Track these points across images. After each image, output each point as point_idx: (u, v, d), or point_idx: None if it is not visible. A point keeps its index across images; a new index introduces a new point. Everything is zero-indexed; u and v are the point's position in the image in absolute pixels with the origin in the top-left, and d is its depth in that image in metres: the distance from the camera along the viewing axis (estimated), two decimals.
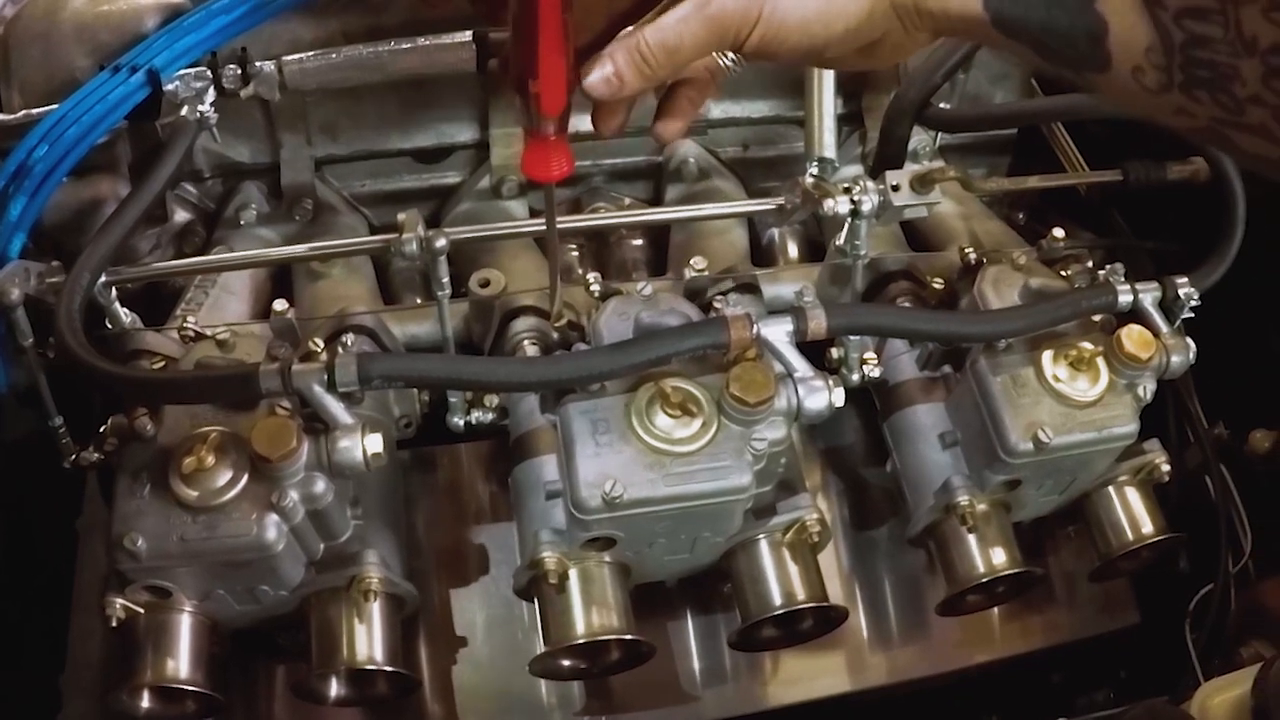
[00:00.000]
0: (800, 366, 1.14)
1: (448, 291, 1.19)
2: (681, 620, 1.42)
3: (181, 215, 1.50)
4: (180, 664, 1.17)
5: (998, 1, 0.90)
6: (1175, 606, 1.52)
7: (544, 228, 1.17)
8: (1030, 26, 0.90)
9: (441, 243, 1.14)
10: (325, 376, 1.07)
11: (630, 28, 0.94)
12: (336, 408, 1.09)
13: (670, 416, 1.13)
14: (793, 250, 1.58)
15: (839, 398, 1.14)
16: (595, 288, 1.26)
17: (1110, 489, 1.37)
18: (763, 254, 1.58)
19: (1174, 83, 0.85)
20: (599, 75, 0.93)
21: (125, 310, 1.25)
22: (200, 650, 1.19)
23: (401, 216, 1.16)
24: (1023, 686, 1.60)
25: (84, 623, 1.38)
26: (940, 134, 1.61)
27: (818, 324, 1.13)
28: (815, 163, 1.33)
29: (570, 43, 0.92)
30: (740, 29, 0.93)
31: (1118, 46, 0.86)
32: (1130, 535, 1.35)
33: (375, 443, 1.10)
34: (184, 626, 1.18)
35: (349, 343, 1.22)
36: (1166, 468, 1.35)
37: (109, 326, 1.24)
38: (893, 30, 0.96)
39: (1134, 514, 1.36)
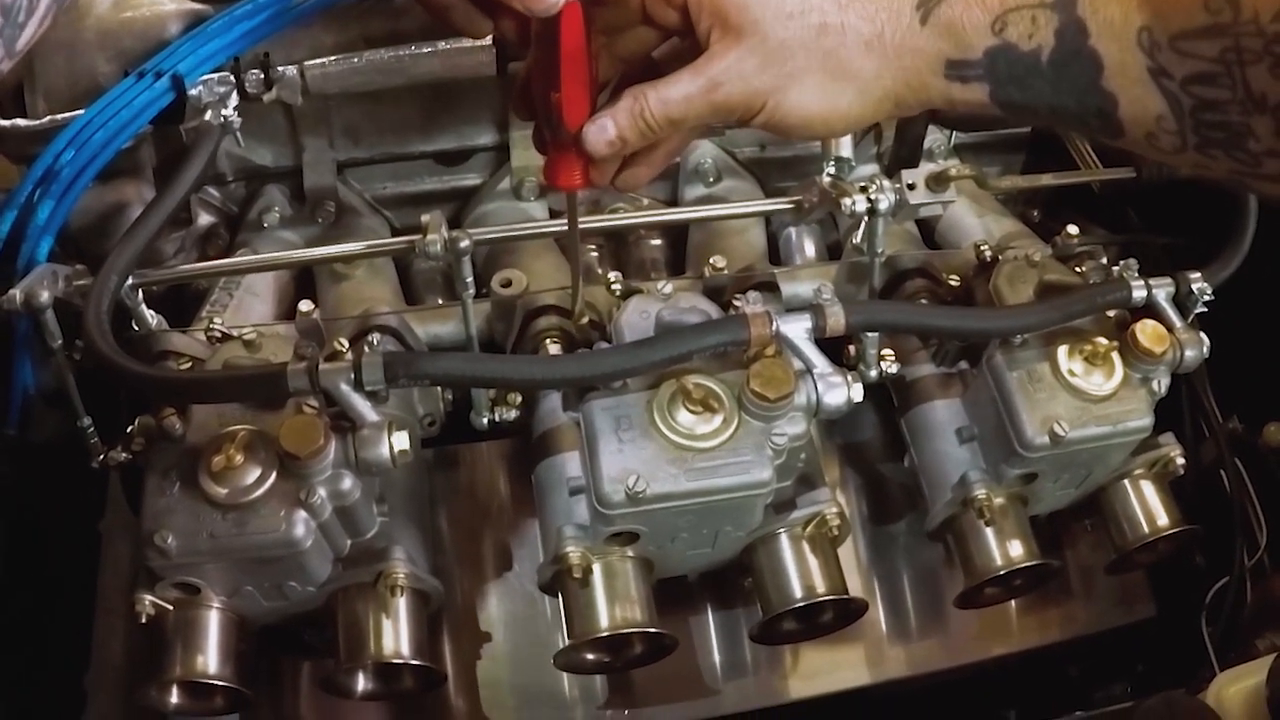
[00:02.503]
0: (819, 363, 1.15)
1: (472, 291, 1.21)
2: (702, 614, 1.44)
3: (205, 218, 1.52)
4: (209, 659, 1.18)
5: (1004, 93, 0.93)
6: (1191, 599, 1.53)
7: (564, 228, 1.18)
8: (1040, 111, 0.93)
9: (466, 243, 1.15)
10: (352, 375, 1.09)
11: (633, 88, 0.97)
12: (363, 406, 1.11)
13: (692, 413, 1.14)
14: (809, 249, 1.59)
15: (858, 393, 1.15)
16: (616, 287, 1.28)
17: (1126, 482, 1.38)
18: (779, 253, 1.59)
19: (1189, 145, 0.87)
20: (600, 135, 0.96)
21: (151, 312, 1.26)
22: (228, 646, 1.20)
23: (425, 218, 1.17)
24: (1040, 679, 1.61)
25: (108, 622, 1.40)
26: (955, 132, 1.62)
27: (836, 321, 1.14)
28: (832, 162, 1.34)
29: (592, 57, 0.94)
30: (743, 116, 0.97)
31: (1129, 119, 0.88)
32: (1146, 528, 1.36)
33: (402, 440, 1.11)
34: (213, 622, 1.19)
35: (375, 342, 1.24)
36: (1181, 461, 1.36)
37: (135, 328, 1.25)
38: (892, 115, 1.01)
39: (1150, 507, 1.37)
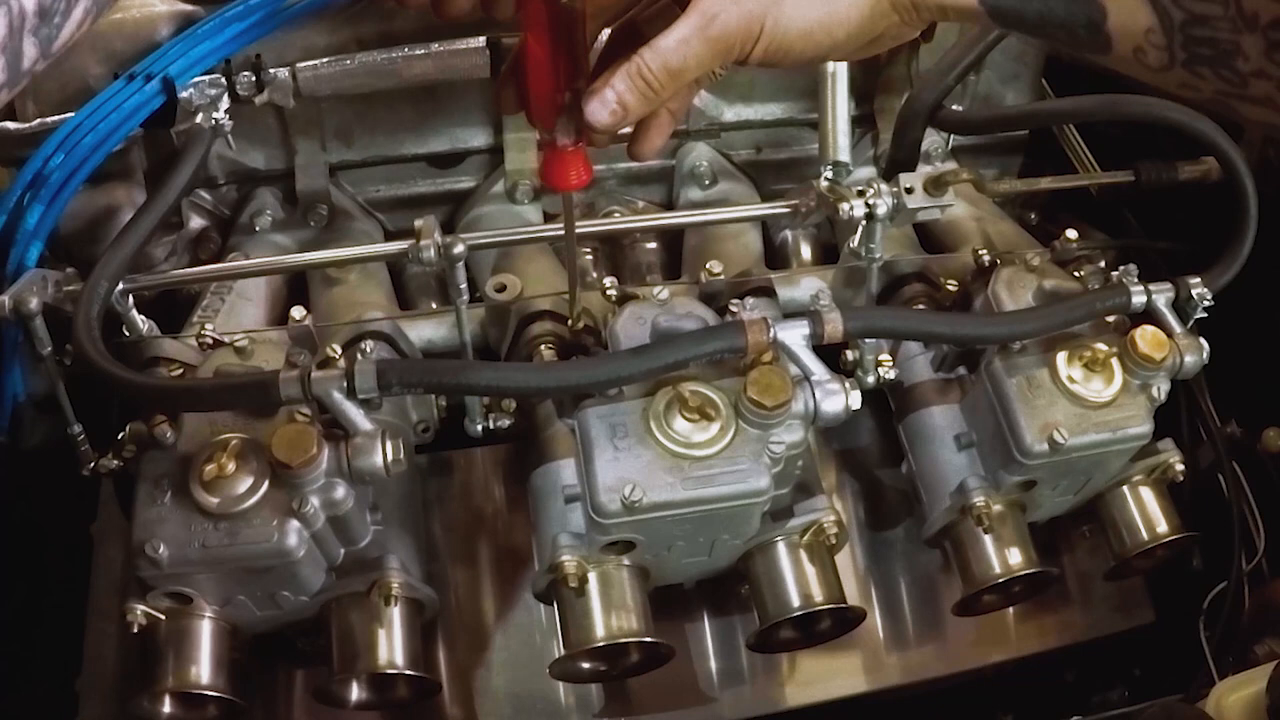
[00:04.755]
0: (817, 370, 1.14)
1: (466, 297, 1.20)
2: (699, 622, 1.43)
3: (197, 222, 1.50)
4: (201, 669, 1.17)
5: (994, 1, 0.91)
6: (1189, 605, 1.53)
7: (560, 232, 1.17)
8: (1027, 16, 0.91)
9: (459, 249, 1.14)
10: (345, 383, 1.08)
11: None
12: (356, 414, 1.10)
13: (688, 420, 1.13)
14: (806, 253, 1.59)
15: (856, 400, 1.15)
16: (612, 292, 1.27)
17: (1125, 489, 1.37)
18: (776, 257, 1.58)
19: (1176, 61, 0.86)
20: (601, 105, 0.93)
21: (142, 318, 1.25)
22: (221, 656, 1.19)
23: (419, 223, 1.16)
24: (1037, 686, 1.60)
25: (99, 627, 1.39)
26: (952, 135, 1.61)
27: (834, 327, 1.13)
28: (829, 166, 1.33)
29: (561, 56, 0.92)
30: (744, 45, 0.93)
31: (1117, 30, 0.87)
32: (1145, 535, 1.36)
33: (395, 449, 1.10)
34: (205, 632, 1.18)
35: (367, 349, 1.23)
36: (1181, 467, 1.35)
37: (126, 334, 1.24)
38: (891, 25, 0.97)
39: (1149, 513, 1.37)
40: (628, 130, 1.01)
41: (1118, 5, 0.86)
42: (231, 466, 1.10)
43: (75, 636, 1.39)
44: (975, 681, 1.52)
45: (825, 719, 1.45)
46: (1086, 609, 1.53)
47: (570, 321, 1.27)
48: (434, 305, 1.50)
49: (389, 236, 1.57)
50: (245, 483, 1.11)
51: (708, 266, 1.28)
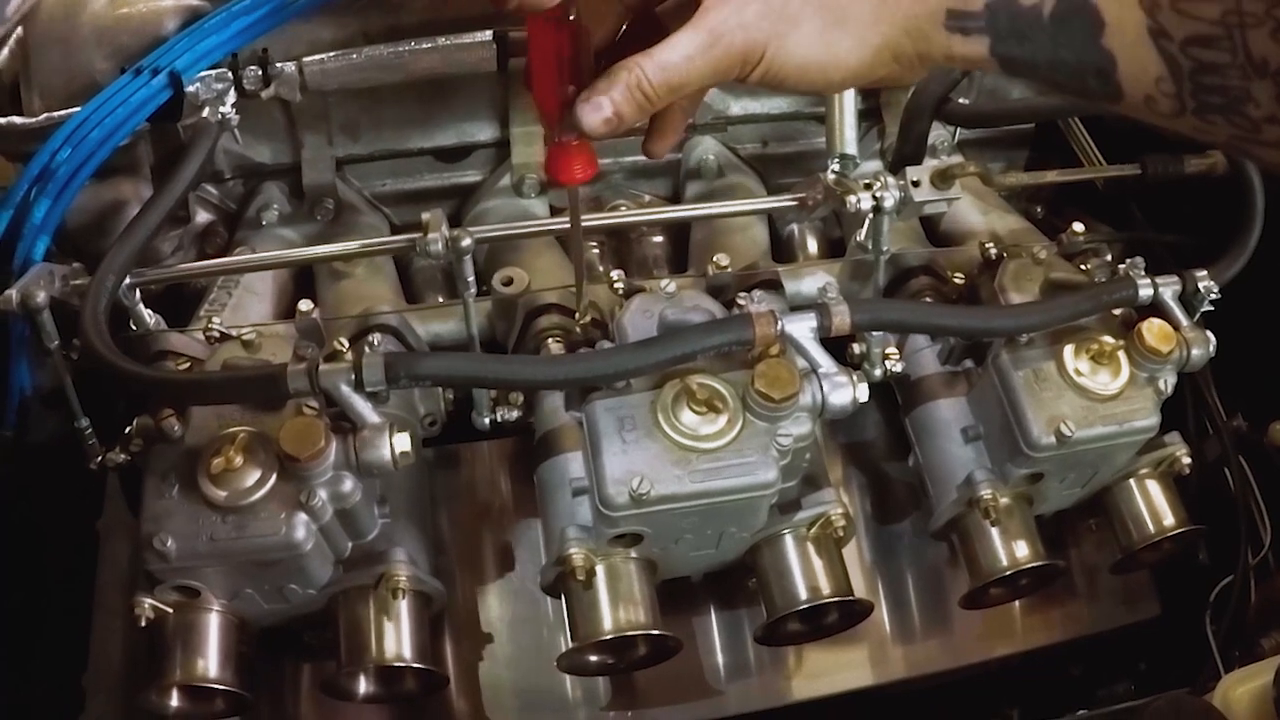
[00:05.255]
0: (824, 362, 1.14)
1: (473, 290, 1.20)
2: (706, 615, 1.43)
3: (203, 216, 1.50)
4: (209, 663, 1.18)
5: (1004, 46, 0.91)
6: (1195, 598, 1.52)
7: (567, 226, 1.17)
8: (1038, 67, 0.92)
9: (467, 242, 1.14)
10: (353, 376, 1.08)
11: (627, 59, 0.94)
12: (364, 407, 1.10)
13: (696, 413, 1.13)
14: (812, 246, 1.58)
15: (863, 393, 1.15)
16: (619, 285, 1.27)
17: (1131, 482, 1.37)
18: (782, 250, 1.58)
19: (1187, 109, 0.86)
20: (595, 111, 0.93)
21: (149, 312, 1.25)
22: (229, 649, 1.19)
23: (426, 216, 1.16)
24: (1044, 679, 1.60)
25: (105, 622, 1.39)
26: (959, 129, 1.61)
27: (841, 320, 1.13)
28: (837, 159, 1.33)
29: (566, 53, 0.92)
30: (743, 68, 0.94)
31: (1128, 79, 0.87)
32: (1151, 528, 1.36)
33: (403, 442, 1.10)
34: (212, 625, 1.19)
35: (375, 342, 1.23)
36: (1187, 460, 1.36)
37: (133, 328, 1.24)
38: (892, 72, 0.98)
39: (1155, 506, 1.37)
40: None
41: (1127, 55, 0.86)
42: (239, 460, 1.10)
43: (81, 632, 1.39)
44: (981, 675, 1.51)
45: (832, 712, 1.46)
46: (1093, 602, 1.53)
47: (577, 315, 1.27)
48: (440, 299, 1.50)
49: (395, 231, 1.56)
50: (253, 476, 1.11)
51: (715, 259, 1.28)
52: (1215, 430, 1.53)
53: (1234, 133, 0.85)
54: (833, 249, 1.58)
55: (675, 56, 0.92)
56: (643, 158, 1.57)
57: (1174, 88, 0.85)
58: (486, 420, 1.28)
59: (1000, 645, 1.50)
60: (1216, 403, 1.53)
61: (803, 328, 1.13)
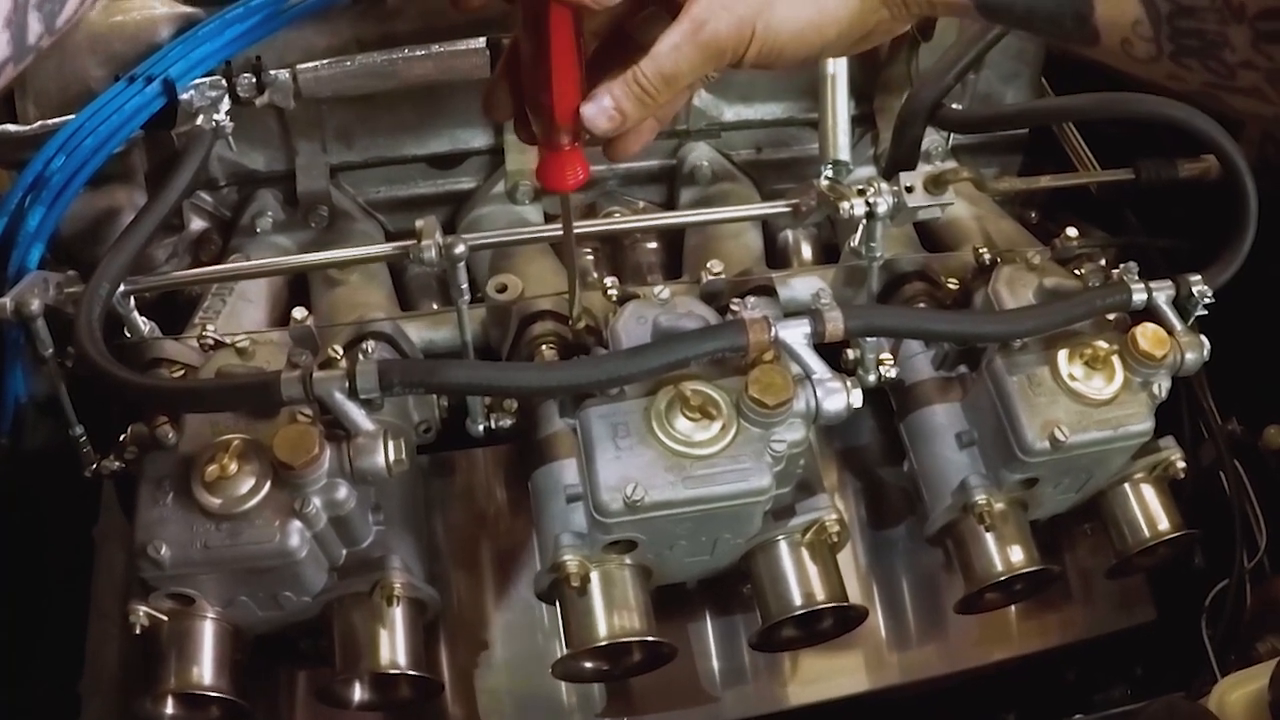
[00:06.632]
0: (818, 368, 1.14)
1: (467, 298, 1.20)
2: (701, 621, 1.43)
3: (198, 224, 1.51)
4: (204, 670, 1.17)
5: None
6: (1191, 602, 1.52)
7: (560, 232, 1.17)
8: (1015, 9, 0.92)
9: (460, 249, 1.14)
10: (346, 384, 1.08)
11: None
12: (358, 415, 1.10)
13: (690, 419, 1.13)
14: (806, 252, 1.59)
15: (857, 399, 1.15)
16: (613, 292, 1.27)
17: (1126, 486, 1.37)
18: (776, 256, 1.58)
19: (1163, 53, 0.86)
20: (599, 111, 0.94)
21: (143, 319, 1.25)
22: (224, 656, 1.19)
23: (420, 223, 1.16)
24: (1040, 684, 1.60)
25: (101, 628, 1.39)
26: (952, 134, 1.61)
27: (835, 326, 1.13)
28: (830, 165, 1.33)
29: (581, 52, 0.93)
30: (736, 49, 0.94)
31: (1104, 22, 0.87)
32: (1147, 532, 1.36)
33: (397, 449, 1.10)
34: (207, 633, 1.18)
35: (369, 350, 1.22)
36: (1182, 464, 1.35)
37: (128, 335, 1.24)
38: (881, 20, 0.98)
39: (1150, 511, 1.36)
40: None
41: None
42: (234, 467, 1.10)
43: (77, 639, 1.39)
44: (977, 680, 1.51)
45: (828, 718, 1.45)
46: (1088, 607, 1.53)
47: (571, 320, 1.27)
48: (435, 306, 1.50)
49: (389, 237, 1.57)
50: (247, 483, 1.11)
51: (708, 266, 1.28)
52: (1210, 434, 1.53)
53: (1208, 78, 0.85)
54: (827, 255, 1.58)
55: (665, 47, 0.93)
56: (636, 164, 1.58)
57: (1151, 31, 0.85)
58: (481, 427, 1.28)
59: (996, 650, 1.50)
60: (1212, 407, 1.53)
61: (796, 334, 1.14)
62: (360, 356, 1.16)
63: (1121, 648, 1.58)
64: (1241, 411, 1.56)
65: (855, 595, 1.35)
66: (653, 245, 1.58)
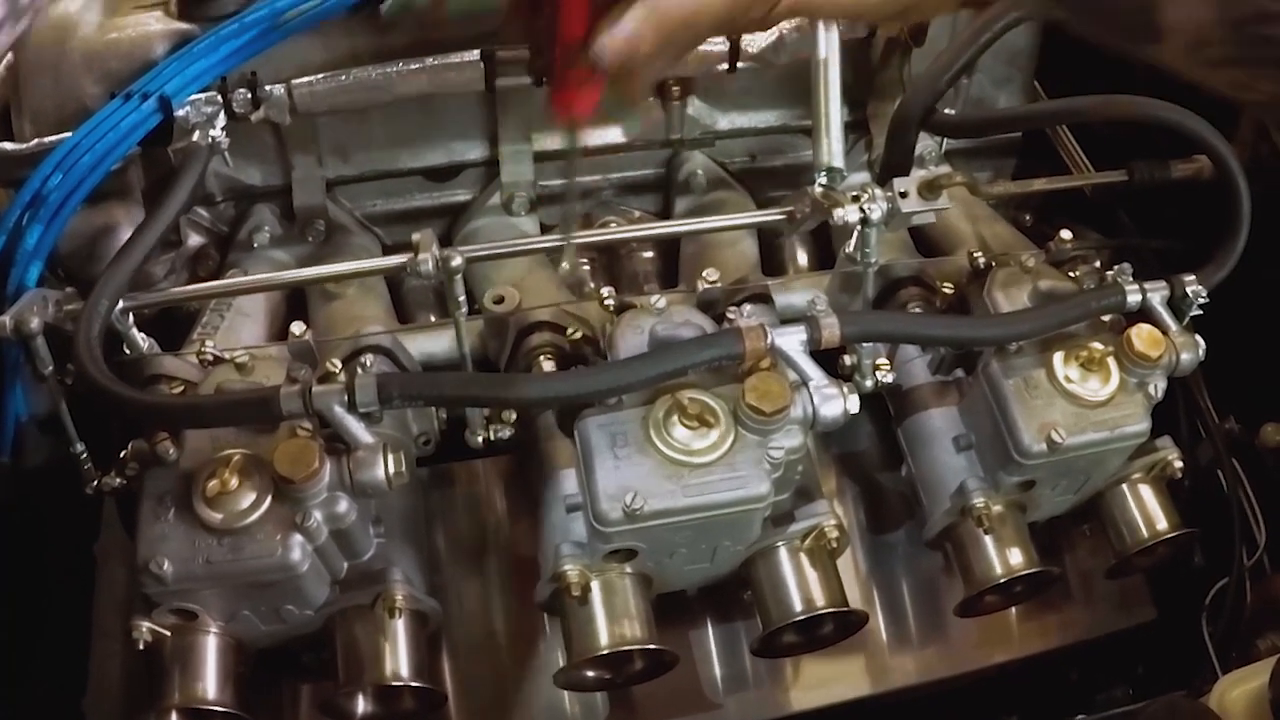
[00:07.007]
0: (815, 375, 1.14)
1: (465, 310, 1.20)
2: (703, 628, 1.44)
3: (195, 239, 1.51)
4: (208, 685, 1.18)
5: None
6: (1191, 601, 1.53)
7: (557, 243, 1.18)
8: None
9: (457, 261, 1.14)
10: (345, 397, 1.08)
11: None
12: (357, 428, 1.10)
13: (687, 428, 1.13)
14: (802, 259, 1.60)
15: (854, 405, 1.15)
16: (609, 302, 1.27)
17: (1124, 487, 1.38)
18: (773, 263, 1.59)
19: (1233, 59, 0.81)
20: (617, 36, 0.86)
21: (143, 336, 1.25)
22: (227, 670, 1.19)
23: (416, 236, 1.16)
24: (1041, 685, 1.61)
25: (104, 646, 1.40)
26: (945, 139, 1.62)
27: (831, 332, 1.14)
28: (824, 172, 1.33)
29: None
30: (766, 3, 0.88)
31: (1171, 22, 0.81)
32: (1145, 532, 1.36)
33: (397, 462, 1.11)
34: (210, 647, 1.19)
35: (368, 363, 1.23)
36: (1179, 464, 1.36)
37: (127, 352, 1.24)
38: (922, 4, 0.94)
39: (1148, 511, 1.37)
40: None
41: None
42: (234, 482, 1.11)
43: (80, 656, 1.39)
44: (979, 682, 1.52)
45: None
46: (1088, 607, 1.54)
47: (562, 268, 1.24)
48: (433, 318, 1.50)
49: (386, 250, 1.57)
50: (248, 498, 1.11)
51: (704, 274, 1.28)
52: (1208, 434, 1.54)
53: (1278, 91, 0.82)
54: (823, 261, 1.59)
55: None
56: (631, 173, 1.59)
57: (1221, 34, 0.79)
58: (480, 438, 1.28)
59: (997, 652, 1.51)
60: (1209, 406, 1.54)
61: (792, 341, 1.14)
62: (359, 370, 1.17)
63: (1122, 648, 1.59)
64: (1239, 410, 1.56)
65: (856, 600, 1.35)
66: (649, 255, 1.59)
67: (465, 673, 1.40)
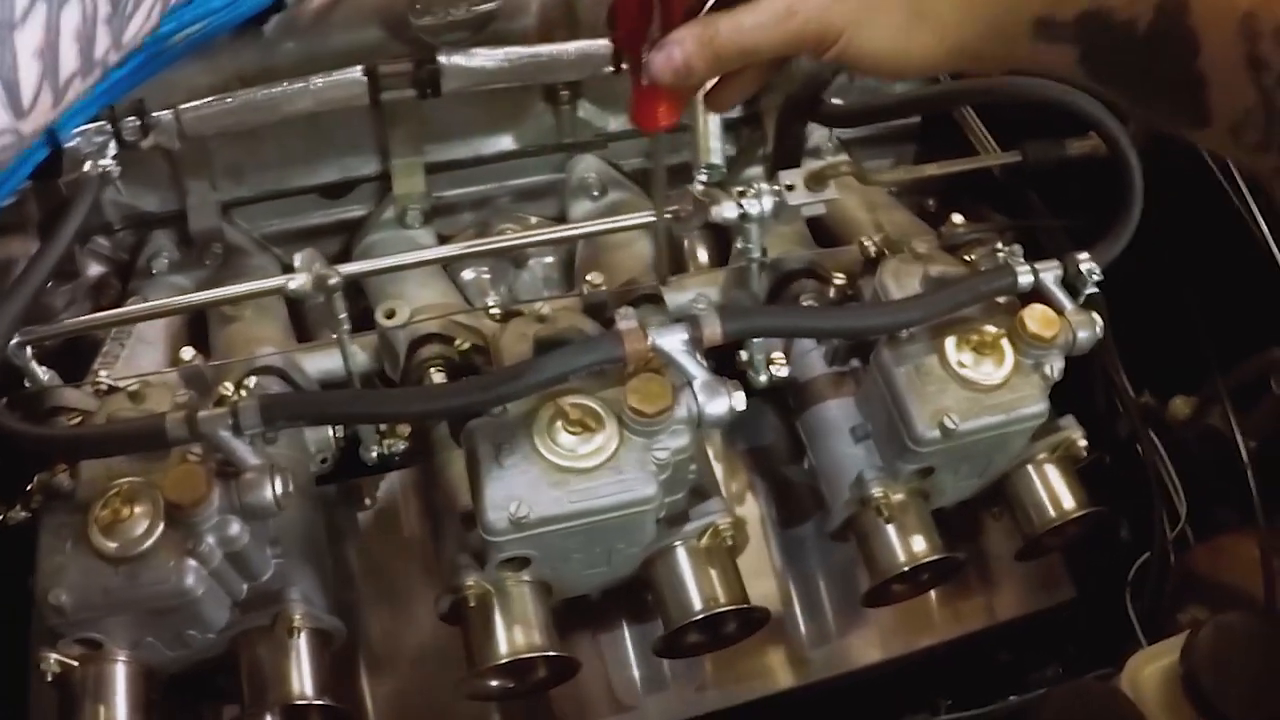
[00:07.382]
0: (698, 373, 1.14)
1: (347, 327, 1.20)
2: (617, 630, 1.44)
3: (95, 269, 1.51)
4: (118, 713, 1.17)
5: (1092, 59, 0.88)
6: (1116, 578, 1.53)
7: (443, 255, 1.18)
8: (1127, 82, 0.89)
9: (335, 279, 1.15)
10: (230, 421, 1.08)
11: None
12: (244, 451, 1.10)
13: (572, 434, 1.13)
14: (703, 256, 1.59)
15: (740, 402, 1.14)
16: (495, 310, 1.27)
17: (1029, 468, 1.38)
18: (679, 262, 1.58)
19: (1273, 145, 0.81)
20: (666, 60, 0.90)
21: (44, 368, 1.25)
22: (138, 698, 1.19)
23: (298, 257, 1.17)
24: (971, 668, 1.61)
25: (43, 684, 1.39)
26: (840, 129, 1.62)
27: (712, 330, 1.13)
28: (703, 170, 1.33)
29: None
30: (817, 48, 0.91)
31: (1216, 107, 0.82)
32: (1052, 512, 1.36)
33: (284, 482, 1.11)
34: (119, 676, 1.18)
35: (252, 386, 1.23)
36: (1083, 443, 1.36)
37: (27, 385, 1.25)
38: (969, 69, 0.97)
39: (1054, 491, 1.37)
40: None
41: (1220, 82, 0.81)
42: (127, 511, 1.11)
43: (19, 691, 1.39)
44: (907, 669, 1.52)
45: (758, 717, 1.46)
46: (1006, 589, 1.55)
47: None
48: (335, 336, 1.50)
49: (286, 270, 1.57)
50: (141, 525, 1.11)
51: (588, 278, 1.29)
52: (1125, 408, 1.53)
53: None
54: (726, 258, 1.58)
55: (750, 21, 0.90)
56: (528, 179, 1.59)
57: (1264, 121, 0.80)
58: (374, 454, 1.28)
59: (919, 638, 1.51)
60: (1124, 381, 1.53)
61: (674, 341, 1.13)
62: (243, 393, 1.17)
63: (1048, 627, 1.59)
64: (1154, 385, 1.56)
65: (771, 594, 1.36)
66: (550, 260, 1.59)
67: (382, 687, 1.40)
